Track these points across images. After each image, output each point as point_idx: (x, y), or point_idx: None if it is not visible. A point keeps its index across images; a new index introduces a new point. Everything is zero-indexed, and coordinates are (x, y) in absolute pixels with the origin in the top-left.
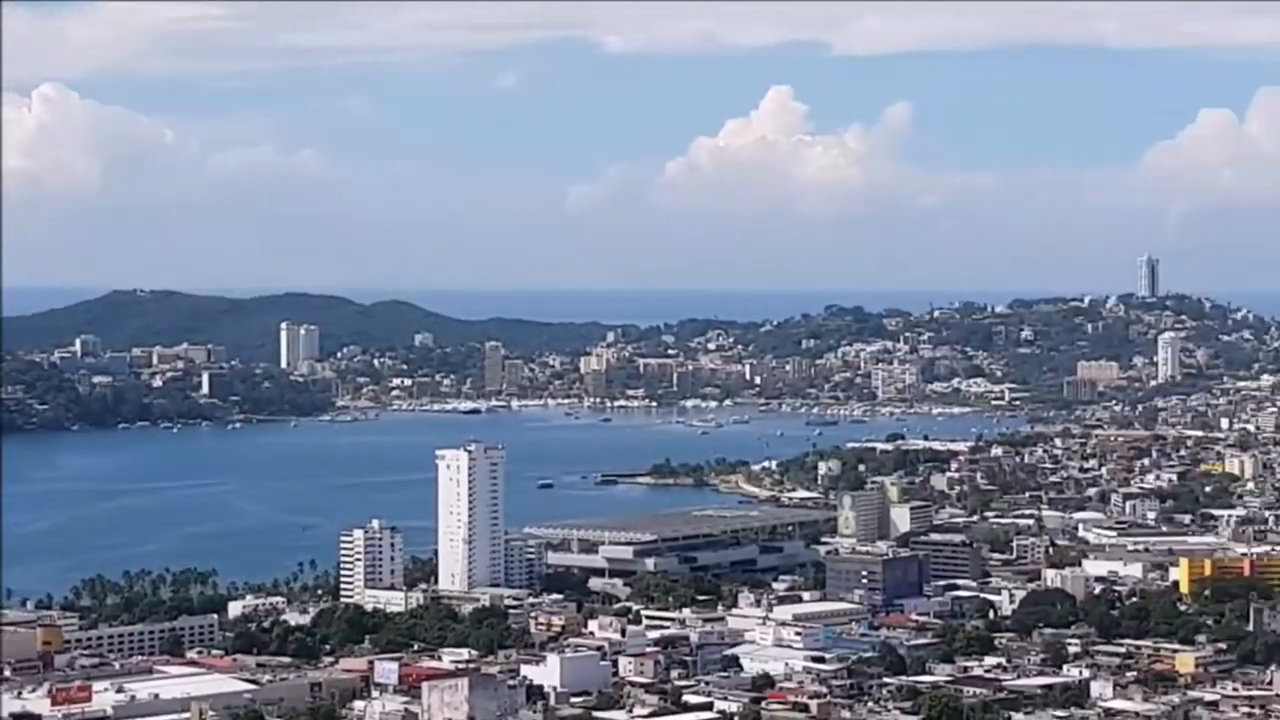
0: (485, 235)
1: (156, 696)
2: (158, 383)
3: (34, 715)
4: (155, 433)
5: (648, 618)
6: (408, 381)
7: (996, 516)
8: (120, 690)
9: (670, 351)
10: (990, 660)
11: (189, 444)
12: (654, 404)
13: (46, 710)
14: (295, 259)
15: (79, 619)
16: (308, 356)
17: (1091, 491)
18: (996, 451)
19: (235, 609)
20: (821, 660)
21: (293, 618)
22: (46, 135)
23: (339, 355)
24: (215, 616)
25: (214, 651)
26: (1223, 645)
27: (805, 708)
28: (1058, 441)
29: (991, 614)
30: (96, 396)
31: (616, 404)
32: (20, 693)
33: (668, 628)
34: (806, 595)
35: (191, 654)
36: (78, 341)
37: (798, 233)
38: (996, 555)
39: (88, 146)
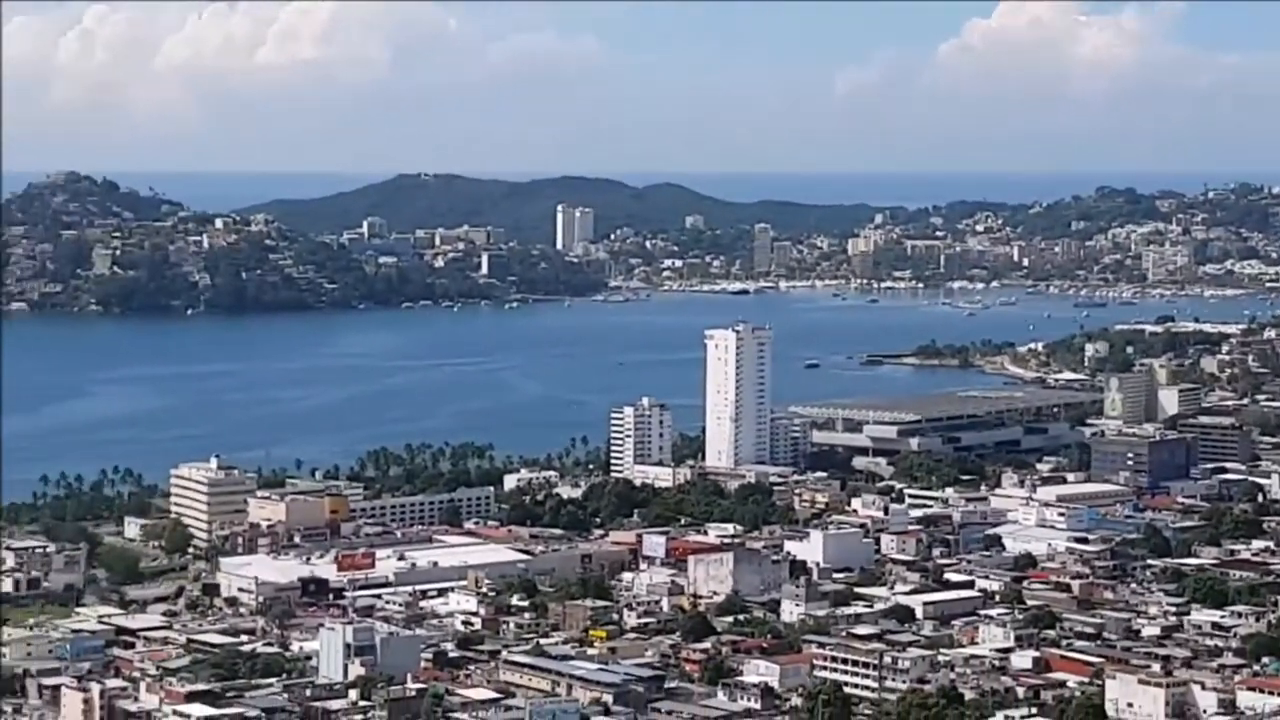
0: (756, 119)
1: (435, 564)
2: (440, 263)
3: (321, 580)
4: (436, 311)
5: (911, 496)
6: (678, 263)
7: (1268, 400)
8: (402, 558)
9: (938, 233)
10: (1258, 544)
11: (468, 322)
12: (921, 285)
13: (333, 575)
14: (572, 143)
15: (364, 489)
16: (583, 238)
17: None
18: (1270, 334)
19: (510, 482)
20: (1085, 541)
21: (565, 491)
22: (339, 25)
23: (613, 237)
24: (491, 489)
25: (490, 522)
26: None
27: (1067, 588)
28: None
29: (1260, 497)
30: (382, 276)
31: (883, 285)
32: (309, 558)
33: (930, 507)
34: (1071, 477)
35: (469, 524)
36: (365, 224)
37: (1070, 114)
38: (1267, 439)
39: (377, 35)
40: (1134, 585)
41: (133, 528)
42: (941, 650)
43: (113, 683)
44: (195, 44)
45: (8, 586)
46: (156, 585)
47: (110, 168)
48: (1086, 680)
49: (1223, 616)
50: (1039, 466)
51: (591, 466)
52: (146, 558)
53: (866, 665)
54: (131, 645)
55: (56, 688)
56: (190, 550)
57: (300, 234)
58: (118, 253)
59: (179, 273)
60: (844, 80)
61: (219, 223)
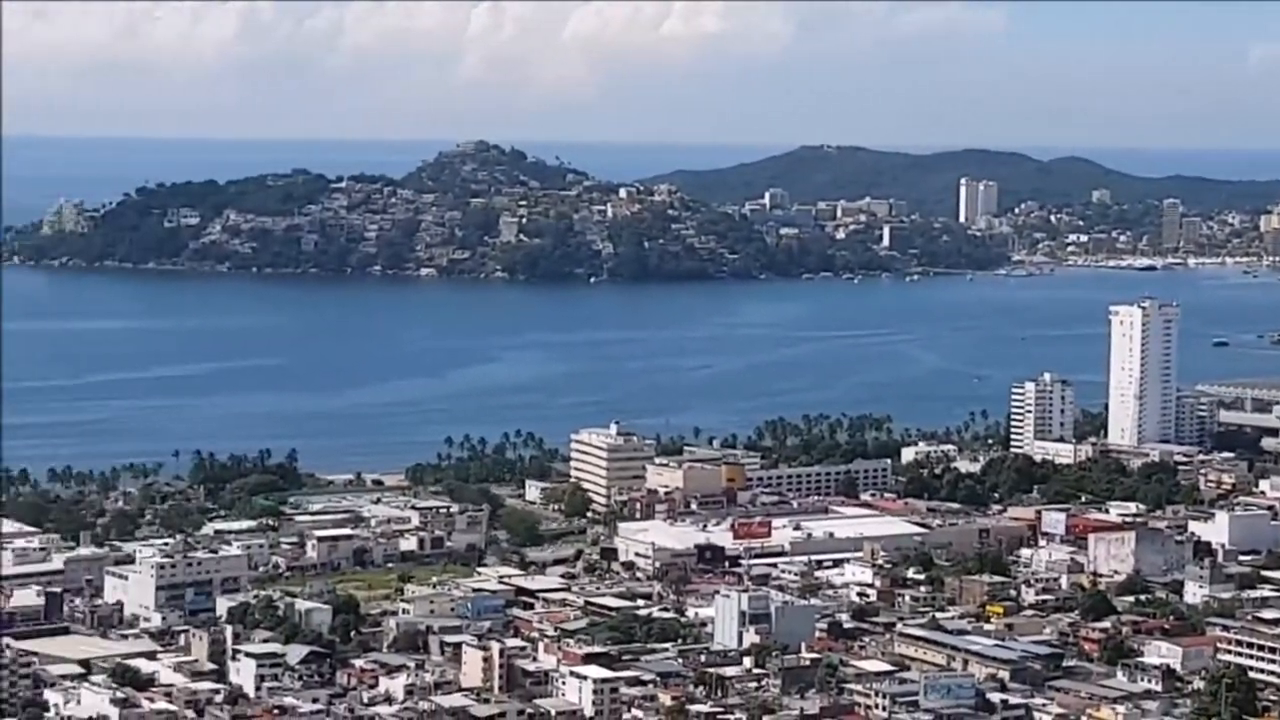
0: (1166, 92)
1: (831, 535)
2: (840, 235)
3: (718, 547)
4: (836, 283)
5: None
6: (1083, 238)
7: None
8: (797, 527)
9: None
10: None
11: (868, 294)
12: None
13: (729, 543)
14: (976, 116)
15: (760, 459)
16: (985, 212)
17: None
18: None
19: (908, 454)
20: None
21: (963, 465)
22: None
23: (1016, 211)
24: (888, 461)
25: (886, 494)
26: None
27: None
28: None
29: None
30: (783, 247)
31: None
32: (705, 525)
33: None
34: None
35: (865, 496)
36: (766, 195)
37: None
38: None
39: (780, 6)
40: None
41: (533, 491)
42: None
43: (512, 642)
44: (602, 16)
45: (412, 545)
46: (555, 548)
47: (518, 137)
48: None
49: None
50: None
51: (990, 441)
52: (546, 520)
53: (1274, 650)
54: (531, 606)
55: (458, 645)
56: (589, 514)
57: (702, 204)
58: (524, 221)
59: (583, 241)
60: (1258, 54)
61: (623, 192)
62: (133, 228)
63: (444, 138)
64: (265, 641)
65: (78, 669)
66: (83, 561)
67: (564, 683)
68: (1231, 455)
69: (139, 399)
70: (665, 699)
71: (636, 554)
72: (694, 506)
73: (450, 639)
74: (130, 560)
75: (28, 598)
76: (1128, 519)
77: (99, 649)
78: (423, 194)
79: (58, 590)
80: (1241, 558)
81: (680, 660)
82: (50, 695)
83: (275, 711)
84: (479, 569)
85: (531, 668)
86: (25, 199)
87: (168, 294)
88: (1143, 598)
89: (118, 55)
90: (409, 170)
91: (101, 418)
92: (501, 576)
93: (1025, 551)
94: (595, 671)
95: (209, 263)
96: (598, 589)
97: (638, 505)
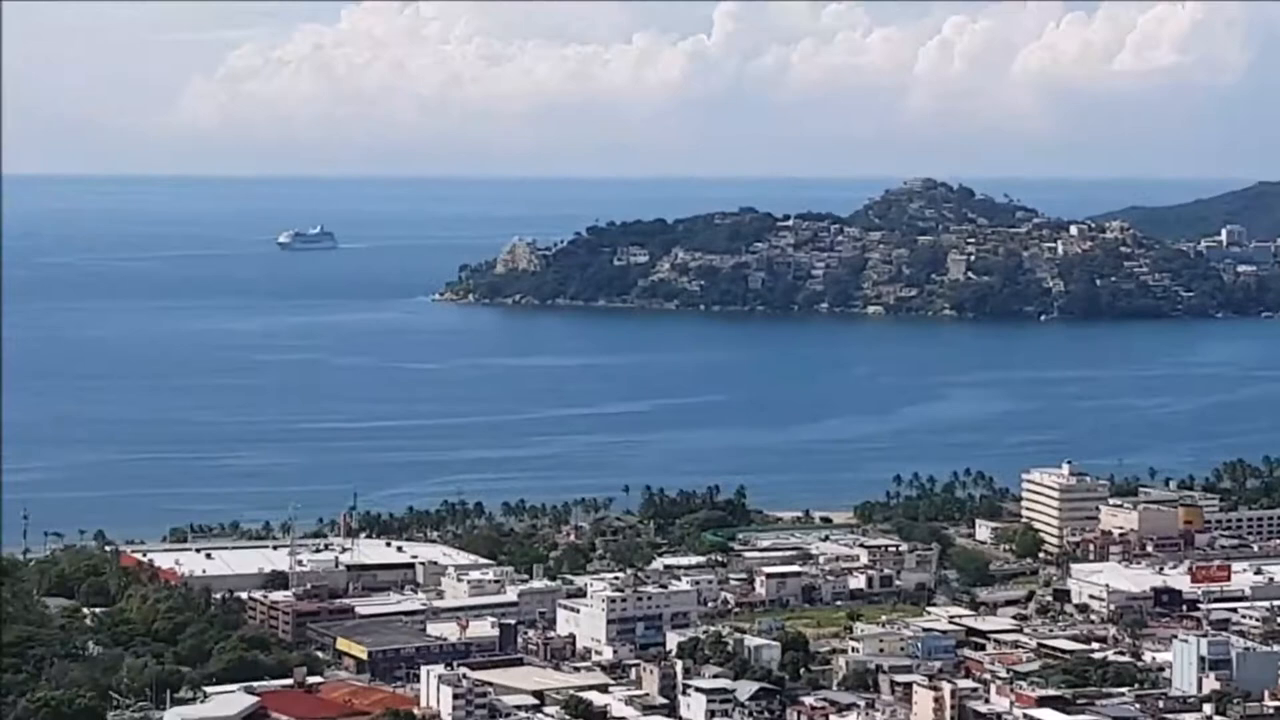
0: None
1: None
2: None
3: (1174, 590)
4: None
5: None
6: None
7: None
8: (1259, 571)
9: None
10: None
11: None
12: None
13: (1186, 586)
14: None
15: (1219, 500)
16: None
17: None
18: None
19: None
20: None
21: None
22: (1200, 28)
23: None
24: None
25: None
26: None
27: None
28: None
29: None
30: (1240, 285)
31: None
32: (1161, 568)
33: None
34: None
35: None
36: (1224, 231)
37: None
38: None
39: (1239, 36)
40: None
41: (983, 530)
42: None
43: (963, 683)
44: (1052, 51)
45: (861, 583)
46: (1006, 588)
47: (965, 174)
48: None
49: None
50: None
51: None
52: (997, 560)
53: None
54: (982, 647)
55: (908, 685)
56: (1041, 555)
57: (1156, 241)
58: (972, 258)
59: (1032, 279)
60: None
61: (1073, 229)
62: (583, 266)
63: (889, 174)
64: (715, 677)
65: (531, 700)
66: (536, 594)
67: None
68: None
69: (590, 434)
70: None
71: (1091, 596)
72: (1150, 548)
73: (901, 678)
74: (582, 593)
75: (483, 629)
76: None
77: (552, 681)
78: (869, 231)
79: (512, 622)
80: None
81: (1137, 705)
82: None
83: None
84: (928, 608)
85: (984, 709)
86: (480, 238)
87: (617, 331)
88: None
89: (570, 97)
90: (855, 208)
91: (554, 452)
92: (952, 616)
93: None
94: (1050, 715)
95: (657, 300)
96: (1051, 631)
97: (1091, 546)
